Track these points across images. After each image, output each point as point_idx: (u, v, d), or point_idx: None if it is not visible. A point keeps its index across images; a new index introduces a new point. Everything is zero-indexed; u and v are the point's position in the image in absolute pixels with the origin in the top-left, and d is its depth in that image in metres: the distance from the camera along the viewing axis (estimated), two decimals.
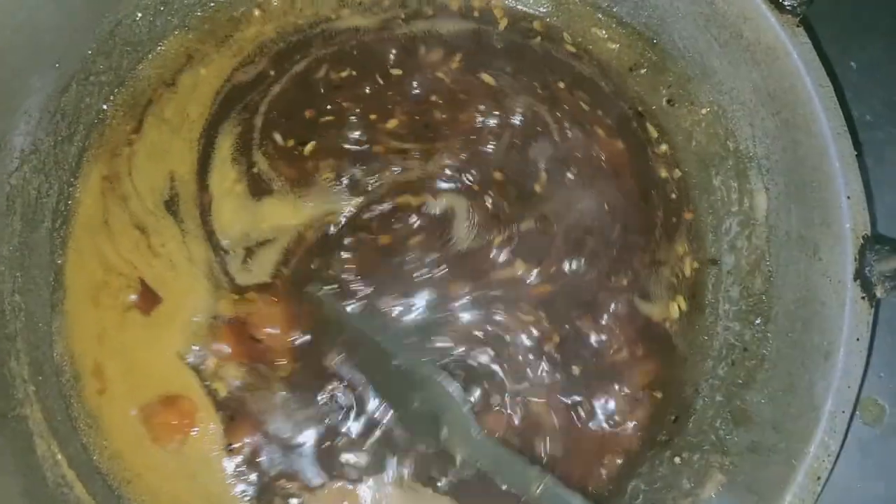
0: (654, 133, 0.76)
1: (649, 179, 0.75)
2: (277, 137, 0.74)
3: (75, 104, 0.73)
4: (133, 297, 0.70)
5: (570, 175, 0.73)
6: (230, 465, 0.67)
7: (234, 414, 0.68)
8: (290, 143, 0.73)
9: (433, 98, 0.75)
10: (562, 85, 0.76)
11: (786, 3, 0.64)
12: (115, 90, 0.75)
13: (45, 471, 0.64)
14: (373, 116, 0.74)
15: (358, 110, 0.74)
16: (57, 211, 0.72)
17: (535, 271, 0.71)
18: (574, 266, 0.71)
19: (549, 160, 0.74)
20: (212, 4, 0.78)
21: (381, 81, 0.75)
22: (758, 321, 0.70)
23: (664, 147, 0.76)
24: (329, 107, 0.74)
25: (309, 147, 0.73)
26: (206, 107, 0.75)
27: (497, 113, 0.74)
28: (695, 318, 0.73)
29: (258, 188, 0.72)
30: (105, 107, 0.75)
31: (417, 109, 0.74)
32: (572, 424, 0.69)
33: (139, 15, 0.74)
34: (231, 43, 0.77)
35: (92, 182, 0.73)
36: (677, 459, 0.69)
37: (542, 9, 0.80)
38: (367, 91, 0.75)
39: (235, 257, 0.70)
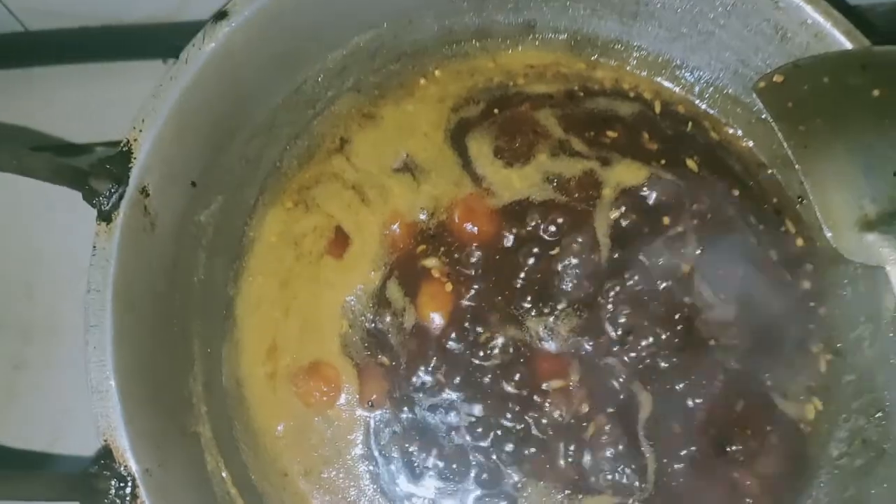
0: (791, 228, 0.80)
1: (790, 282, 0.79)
2: None
3: (258, 152, 0.80)
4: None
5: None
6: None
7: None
8: None
9: None
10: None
11: None
12: (292, 142, 0.83)
13: (213, 486, 0.70)
14: None
15: None
16: (232, 247, 0.80)
17: None
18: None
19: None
20: (383, 71, 0.85)
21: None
22: (878, 415, 0.73)
23: (800, 241, 0.80)
24: None
25: None
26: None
27: None
28: (828, 415, 0.76)
29: None
30: (282, 156, 0.83)
31: None
32: None
33: (321, 77, 0.82)
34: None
35: (267, 223, 0.81)
36: None
37: (685, 93, 0.85)
38: None
39: None
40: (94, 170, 0.67)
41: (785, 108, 0.72)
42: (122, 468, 0.61)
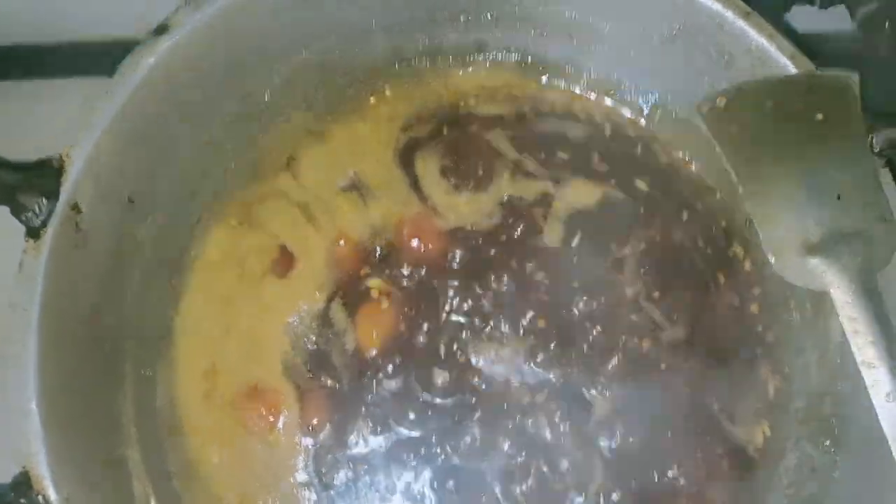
0: (739, 252, 0.80)
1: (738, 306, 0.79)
2: None
3: (202, 168, 0.79)
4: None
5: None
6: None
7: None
8: None
9: None
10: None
11: None
12: (237, 159, 0.81)
13: None
14: None
15: None
16: (172, 265, 0.78)
17: None
18: None
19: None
20: (332, 89, 0.84)
21: None
22: (827, 443, 0.73)
23: (748, 265, 0.80)
24: None
25: None
26: None
27: None
28: (777, 440, 0.75)
29: None
30: (226, 173, 0.81)
31: None
32: None
33: (268, 93, 0.81)
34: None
35: (209, 241, 0.79)
36: None
37: (634, 116, 0.85)
38: None
39: None
40: (22, 184, 0.65)
41: (728, 132, 0.72)
42: (39, 497, 0.59)
